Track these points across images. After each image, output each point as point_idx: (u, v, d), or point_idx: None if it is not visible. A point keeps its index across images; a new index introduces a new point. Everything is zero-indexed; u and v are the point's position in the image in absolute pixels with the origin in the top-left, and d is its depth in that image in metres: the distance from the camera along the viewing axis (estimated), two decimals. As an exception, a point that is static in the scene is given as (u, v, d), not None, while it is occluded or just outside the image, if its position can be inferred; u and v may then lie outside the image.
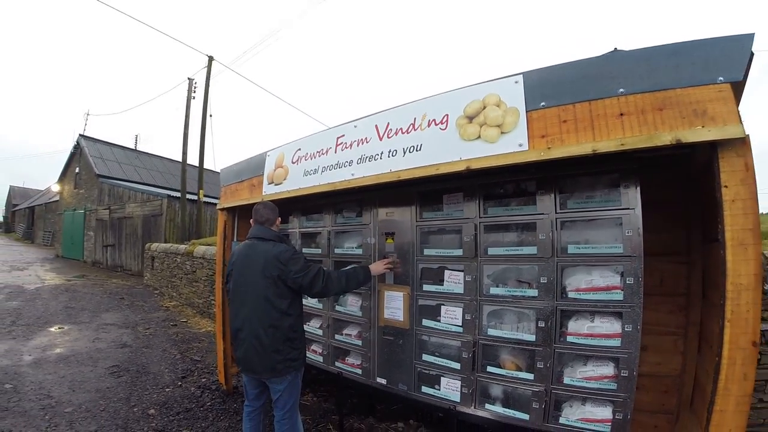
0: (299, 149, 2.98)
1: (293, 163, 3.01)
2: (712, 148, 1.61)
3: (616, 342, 2.03)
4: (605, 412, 2.10)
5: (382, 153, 2.39)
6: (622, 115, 1.66)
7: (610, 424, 2.08)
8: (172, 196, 16.03)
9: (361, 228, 3.21)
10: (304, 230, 3.75)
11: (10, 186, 53.90)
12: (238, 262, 2.62)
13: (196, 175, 15.81)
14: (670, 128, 1.59)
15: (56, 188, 25.66)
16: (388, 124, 2.36)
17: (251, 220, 2.73)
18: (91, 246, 20.18)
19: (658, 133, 1.60)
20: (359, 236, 3.27)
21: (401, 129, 2.28)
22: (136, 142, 29.83)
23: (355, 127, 2.59)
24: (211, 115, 15.71)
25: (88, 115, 26.78)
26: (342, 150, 2.63)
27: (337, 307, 3.32)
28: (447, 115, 2.09)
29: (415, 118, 2.23)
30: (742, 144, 1.56)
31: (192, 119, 15.96)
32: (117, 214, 18.12)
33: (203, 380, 4.90)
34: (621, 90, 1.68)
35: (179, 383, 4.81)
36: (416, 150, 2.19)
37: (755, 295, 1.57)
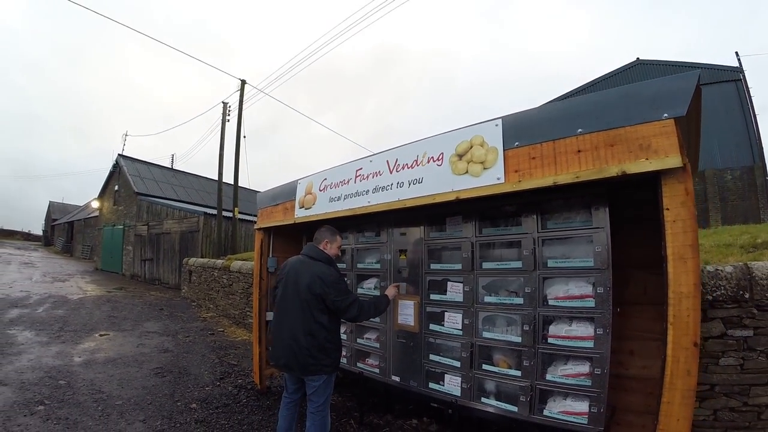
0: (325, 179, 3.48)
1: (320, 190, 3.51)
2: (656, 175, 1.92)
3: (589, 344, 2.35)
4: (582, 406, 2.40)
5: (391, 184, 2.84)
6: (579, 151, 2.03)
7: (587, 416, 2.38)
8: (209, 214, 16.76)
9: (379, 245, 3.66)
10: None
11: (50, 202, 55.77)
12: (291, 273, 2.97)
13: (231, 192, 16.50)
14: (618, 162, 1.93)
15: (96, 204, 26.93)
16: (397, 160, 2.81)
17: (331, 246, 3.05)
18: (129, 260, 21.14)
19: (607, 166, 1.95)
20: (378, 252, 3.71)
21: (407, 164, 2.73)
22: (172, 162, 30.61)
23: (371, 161, 3.05)
24: (245, 136, 16.47)
25: (126, 135, 27.99)
26: (360, 181, 3.10)
27: (358, 315, 3.77)
28: (442, 153, 2.52)
29: (417, 156, 2.67)
30: (682, 172, 1.85)
31: (227, 139, 16.86)
32: (155, 230, 19.03)
33: (239, 381, 5.35)
34: (579, 130, 2.05)
35: (218, 383, 5.25)
36: (418, 182, 2.63)
37: (695, 302, 1.86)
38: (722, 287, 3.02)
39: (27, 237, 57.22)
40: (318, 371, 2.83)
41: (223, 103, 17.00)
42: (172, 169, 27.37)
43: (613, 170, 1.92)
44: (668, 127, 1.87)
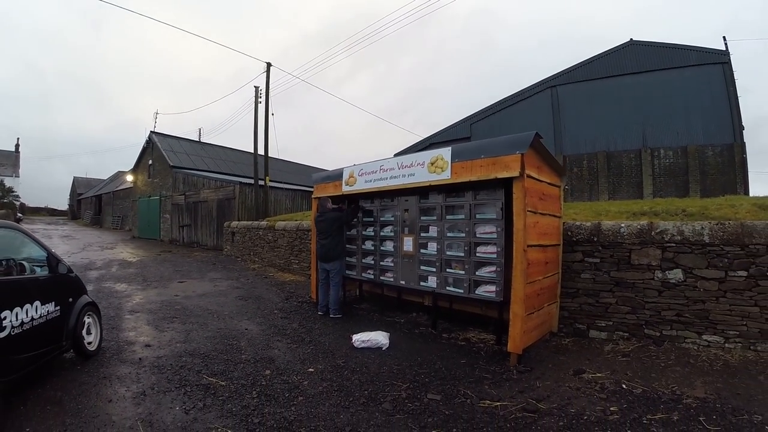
0: (362, 169, 6.02)
1: (359, 175, 6.06)
2: (510, 179, 4.33)
3: (494, 256, 4.86)
4: (492, 288, 4.92)
5: (399, 175, 5.38)
6: (481, 166, 4.49)
7: (494, 293, 4.89)
8: (244, 183, 19.05)
9: (393, 207, 6.22)
10: (365, 208, 6.79)
11: (74, 177, 58.32)
12: (326, 218, 6.16)
13: (262, 163, 18.65)
14: (495, 172, 4.39)
15: (130, 178, 29.71)
16: (402, 162, 5.34)
17: (329, 204, 6.24)
18: (167, 227, 23.69)
19: (490, 174, 4.42)
20: (392, 210, 6.28)
21: (407, 165, 5.25)
22: (199, 135, 32.66)
23: (388, 161, 5.58)
24: (273, 114, 18.40)
25: (157, 114, 29.75)
26: (383, 172, 5.63)
27: (382, 248, 6.36)
28: (424, 161, 5.02)
29: (412, 162, 5.17)
30: (521, 177, 4.27)
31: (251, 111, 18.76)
32: (192, 199, 21.32)
33: (299, 300, 7.92)
34: (482, 156, 4.50)
35: (285, 302, 7.83)
36: (412, 175, 5.16)
37: (524, 232, 4.27)
38: (582, 234, 5.36)
39: (52, 212, 59.58)
40: (336, 258, 6.08)
41: (255, 87, 18.69)
42: (200, 142, 29.52)
43: (492, 176, 4.41)
44: (517, 157, 4.29)
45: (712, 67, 16.48)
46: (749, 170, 16.00)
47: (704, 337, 4.63)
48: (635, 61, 17.64)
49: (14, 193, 26.97)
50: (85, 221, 44.75)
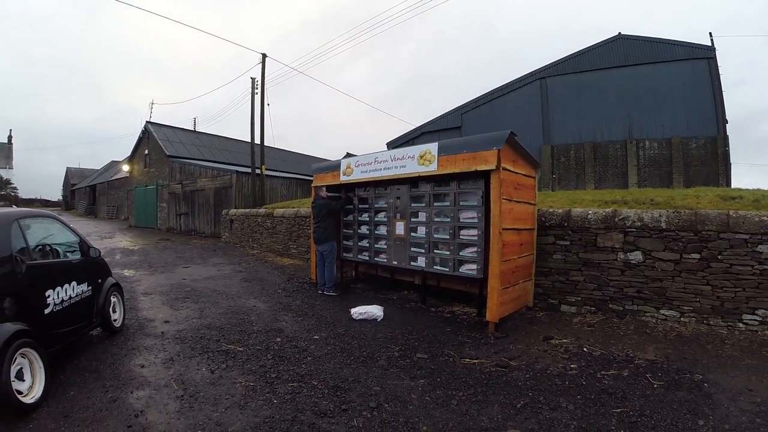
0: (358, 161, 6.62)
1: (356, 166, 6.66)
2: (488, 171, 4.94)
3: (475, 238, 5.49)
4: (474, 266, 5.56)
5: (393, 166, 5.98)
6: (464, 159, 5.09)
7: (475, 271, 5.52)
8: (240, 171, 19.36)
9: (386, 195, 6.82)
10: (360, 195, 7.38)
11: (67, 167, 57.85)
12: (319, 204, 6.75)
13: (258, 152, 18.74)
14: (475, 165, 5.00)
15: (126, 168, 29.71)
16: (395, 155, 5.95)
17: (322, 192, 6.88)
18: (164, 215, 23.96)
19: (471, 166, 5.03)
20: (385, 198, 6.88)
21: (399, 157, 5.85)
22: (194, 125, 32.90)
23: (383, 154, 6.17)
24: (269, 104, 18.72)
25: (152, 104, 29.98)
26: (377, 163, 6.23)
27: (376, 232, 6.97)
28: (414, 154, 5.62)
29: (404, 155, 5.78)
30: (497, 170, 4.87)
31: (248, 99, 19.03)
32: (189, 188, 21.59)
33: (300, 281, 8.48)
34: (465, 150, 5.11)
35: (287, 282, 8.40)
36: (403, 167, 5.77)
37: (501, 217, 4.89)
38: (554, 219, 5.95)
39: (45, 204, 58.66)
40: (326, 240, 6.69)
41: (251, 78, 18.91)
42: (195, 131, 29.83)
43: (473, 168, 5.02)
44: (494, 152, 4.90)
45: (699, 62, 16.80)
46: (743, 161, 16.50)
47: (662, 311, 5.23)
48: (623, 55, 17.99)
49: (12, 185, 27.11)
50: (79, 212, 44.66)
